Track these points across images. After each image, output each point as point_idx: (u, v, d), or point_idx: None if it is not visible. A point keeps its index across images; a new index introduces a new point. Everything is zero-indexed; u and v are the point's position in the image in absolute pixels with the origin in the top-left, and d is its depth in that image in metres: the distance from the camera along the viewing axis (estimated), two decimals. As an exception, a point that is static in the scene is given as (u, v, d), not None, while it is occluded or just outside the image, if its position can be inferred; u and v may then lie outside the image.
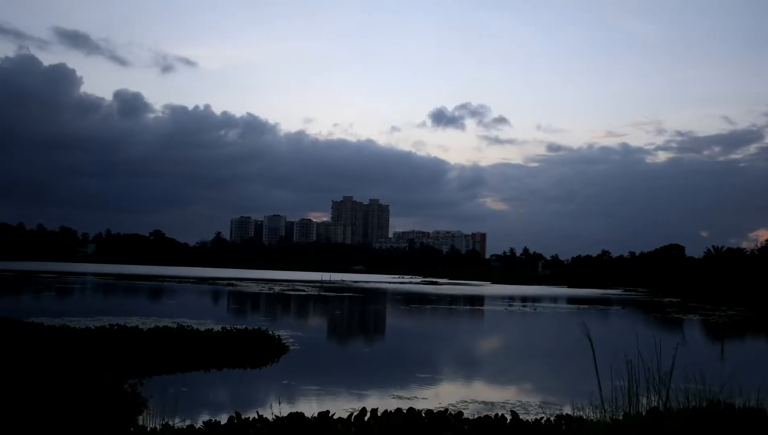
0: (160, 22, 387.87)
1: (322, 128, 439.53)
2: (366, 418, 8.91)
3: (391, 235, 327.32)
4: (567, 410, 10.31)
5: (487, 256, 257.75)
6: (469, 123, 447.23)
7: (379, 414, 9.07)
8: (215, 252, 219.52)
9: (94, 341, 16.75)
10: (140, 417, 9.98)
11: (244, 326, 21.34)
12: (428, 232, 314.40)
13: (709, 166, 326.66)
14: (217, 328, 20.79)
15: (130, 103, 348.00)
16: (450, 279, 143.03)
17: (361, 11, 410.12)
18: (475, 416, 9.45)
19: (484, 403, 13.56)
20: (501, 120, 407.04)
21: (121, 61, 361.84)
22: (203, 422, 8.85)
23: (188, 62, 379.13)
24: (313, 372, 17.25)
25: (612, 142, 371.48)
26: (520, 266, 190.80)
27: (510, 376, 18.38)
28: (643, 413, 8.63)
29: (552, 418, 9.25)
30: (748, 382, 10.44)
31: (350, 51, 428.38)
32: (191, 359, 17.20)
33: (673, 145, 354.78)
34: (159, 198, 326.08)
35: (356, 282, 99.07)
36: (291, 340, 21.94)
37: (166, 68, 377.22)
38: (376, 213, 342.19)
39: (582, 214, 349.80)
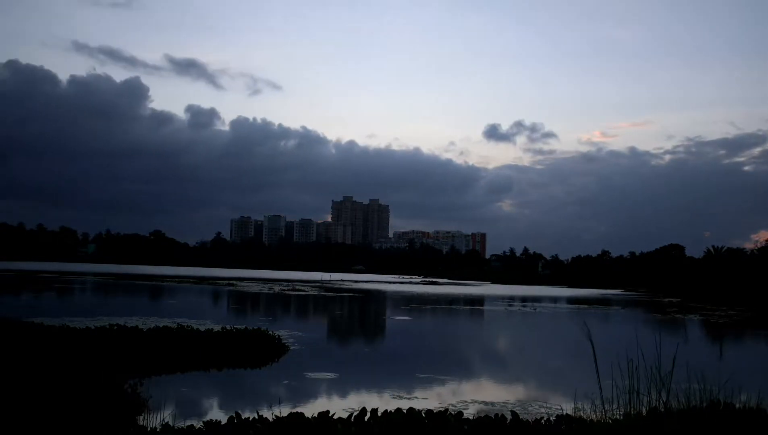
0: (253, 49, 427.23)
1: (382, 142, 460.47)
2: (366, 418, 8.90)
3: (391, 235, 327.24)
4: (567, 410, 10.30)
5: (487, 256, 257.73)
6: (520, 138, 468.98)
7: (379, 414, 9.05)
8: (215, 252, 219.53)
9: (94, 341, 16.75)
10: (140, 417, 9.98)
11: (244, 326, 21.33)
12: (428, 232, 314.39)
13: (714, 168, 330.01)
14: (217, 328, 20.78)
15: (200, 118, 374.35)
16: (450, 279, 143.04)
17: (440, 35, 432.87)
18: (475, 416, 9.44)
19: (484, 403, 13.55)
20: (550, 134, 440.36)
21: (217, 85, 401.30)
22: (203, 422, 8.84)
23: (275, 86, 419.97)
24: (313, 372, 17.25)
25: (620, 145, 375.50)
26: (520, 266, 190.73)
27: (510, 376, 18.38)
28: (644, 413, 8.63)
29: (552, 418, 9.24)
30: (748, 382, 10.45)
31: (413, 71, 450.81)
32: (191, 359, 17.19)
33: (680, 148, 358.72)
34: (182, 200, 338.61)
35: (356, 282, 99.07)
36: (291, 340, 21.94)
37: (255, 91, 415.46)
38: (375, 213, 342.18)
39: (585, 214, 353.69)
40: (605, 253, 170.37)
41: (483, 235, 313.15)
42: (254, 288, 63.12)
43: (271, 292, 57.49)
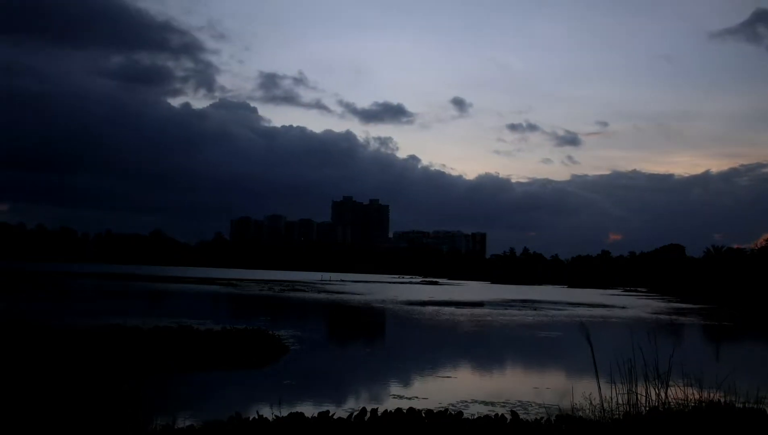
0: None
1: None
2: (366, 418, 8.91)
3: (391, 235, 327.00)
4: (567, 410, 10.30)
5: (487, 256, 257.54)
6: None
7: (379, 414, 9.06)
8: (215, 252, 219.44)
9: (95, 341, 16.75)
10: (140, 417, 9.97)
11: (244, 326, 21.33)
12: (428, 232, 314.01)
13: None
14: (217, 328, 20.79)
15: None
16: (450, 279, 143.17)
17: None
18: (475, 416, 9.44)
19: (484, 403, 13.55)
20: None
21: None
22: (203, 422, 8.85)
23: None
24: (313, 372, 17.25)
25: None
26: (520, 266, 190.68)
27: (510, 376, 18.38)
28: (643, 413, 8.63)
29: (552, 418, 9.24)
30: (747, 383, 10.44)
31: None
32: (191, 359, 17.18)
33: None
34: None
35: (356, 282, 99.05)
36: (291, 340, 21.94)
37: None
38: (376, 213, 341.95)
39: (586, 214, 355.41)
40: (605, 253, 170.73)
41: (483, 235, 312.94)
42: (254, 288, 63.12)
43: (271, 292, 57.49)
